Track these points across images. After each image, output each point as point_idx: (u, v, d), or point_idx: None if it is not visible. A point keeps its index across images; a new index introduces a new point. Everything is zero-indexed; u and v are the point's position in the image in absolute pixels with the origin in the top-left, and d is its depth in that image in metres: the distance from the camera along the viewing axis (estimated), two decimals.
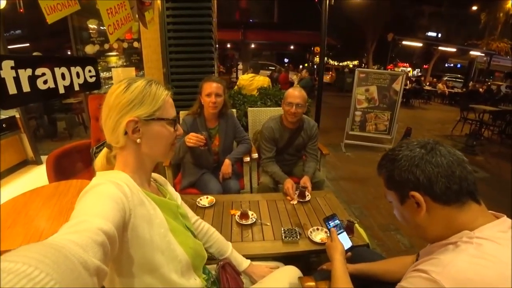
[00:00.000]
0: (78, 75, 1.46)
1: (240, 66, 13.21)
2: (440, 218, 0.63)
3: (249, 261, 1.12)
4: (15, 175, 2.98)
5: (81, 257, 0.38)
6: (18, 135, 3.11)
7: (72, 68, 1.43)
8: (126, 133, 0.70)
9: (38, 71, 1.26)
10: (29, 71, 1.20)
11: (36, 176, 2.94)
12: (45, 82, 1.29)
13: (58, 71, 1.35)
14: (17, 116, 3.03)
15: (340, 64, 23.87)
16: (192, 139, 1.74)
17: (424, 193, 0.63)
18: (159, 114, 0.72)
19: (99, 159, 0.75)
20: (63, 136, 4.77)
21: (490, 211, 0.65)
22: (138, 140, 0.71)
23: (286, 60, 21.68)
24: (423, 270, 0.57)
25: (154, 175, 0.91)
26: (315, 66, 14.19)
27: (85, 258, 0.39)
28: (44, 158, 2.94)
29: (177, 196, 0.98)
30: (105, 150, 0.76)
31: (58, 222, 1.32)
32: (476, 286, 0.50)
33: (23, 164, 3.18)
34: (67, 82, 1.40)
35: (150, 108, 0.71)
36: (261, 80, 4.13)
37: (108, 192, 0.59)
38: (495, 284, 0.50)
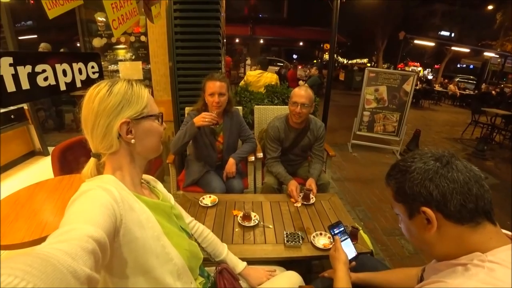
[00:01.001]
0: (80, 71, 1.44)
1: (248, 62, 13.15)
2: (451, 237, 0.59)
3: (245, 263, 1.11)
4: (23, 165, 3.01)
5: (70, 266, 0.37)
6: (26, 126, 3.14)
7: (74, 64, 1.40)
8: (119, 136, 0.68)
9: (38, 68, 1.23)
10: (28, 68, 1.17)
11: (43, 167, 2.96)
12: (46, 79, 1.26)
13: (59, 67, 1.32)
14: (25, 107, 3.05)
15: (349, 62, 23.57)
16: (207, 117, 1.72)
17: (436, 209, 0.59)
18: (147, 111, 0.73)
19: (88, 170, 0.73)
20: (70, 128, 4.82)
21: (504, 231, 0.61)
22: (132, 141, 0.70)
23: (294, 56, 21.51)
24: None
25: (146, 176, 0.90)
26: (324, 63, 14.03)
27: (74, 267, 0.38)
28: (51, 149, 2.96)
29: (170, 197, 0.96)
30: (92, 160, 0.74)
31: (61, 217, 1.31)
32: None
33: (30, 155, 3.21)
34: (68, 79, 1.38)
35: (138, 107, 0.70)
36: (269, 76, 4.07)
37: (98, 198, 0.58)
38: None
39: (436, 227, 0.60)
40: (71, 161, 2.13)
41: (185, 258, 0.76)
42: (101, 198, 0.58)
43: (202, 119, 1.73)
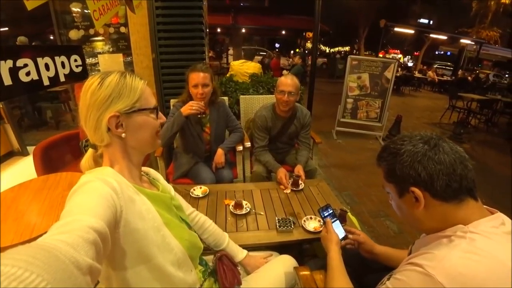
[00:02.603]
0: (63, 65, 1.38)
1: (231, 52, 12.96)
2: (437, 213, 0.64)
3: (245, 252, 1.13)
4: (1, 167, 2.89)
5: (73, 257, 0.38)
6: (2, 126, 3.01)
7: (57, 58, 1.34)
8: (109, 129, 0.68)
9: (20, 62, 1.18)
10: (9, 63, 1.12)
11: (24, 168, 2.86)
12: (28, 73, 1.21)
13: (41, 61, 1.27)
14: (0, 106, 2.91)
15: (332, 50, 23.72)
16: (194, 105, 1.73)
17: (424, 189, 0.64)
18: (140, 104, 0.70)
19: (86, 161, 0.73)
20: (49, 126, 4.64)
21: (485, 207, 0.66)
22: (123, 135, 0.69)
23: (277, 45, 21.42)
24: (418, 264, 0.58)
25: (145, 168, 0.90)
26: (306, 51, 14.03)
27: (76, 257, 0.38)
28: (30, 148, 2.84)
29: (170, 188, 0.97)
30: (90, 151, 0.74)
31: (49, 216, 1.29)
32: (469, 280, 0.52)
33: (9, 155, 3.09)
34: (51, 73, 1.32)
35: (129, 100, 0.68)
36: (252, 66, 4.09)
37: (98, 190, 0.58)
38: (486, 278, 0.52)
39: (424, 205, 0.65)
40: (55, 159, 2.07)
41: (185, 248, 0.77)
42: (101, 190, 0.58)
43: (189, 107, 1.74)
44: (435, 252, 0.58)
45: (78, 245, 0.41)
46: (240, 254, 1.12)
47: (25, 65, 1.21)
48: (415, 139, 0.68)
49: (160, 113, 0.77)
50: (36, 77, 1.24)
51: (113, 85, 0.67)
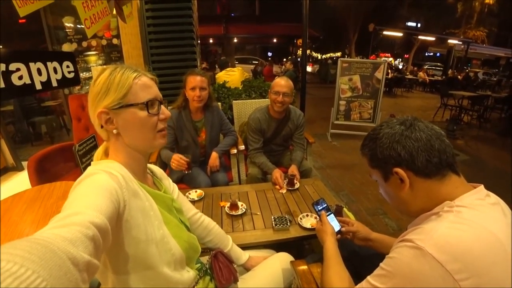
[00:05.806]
0: (55, 70, 1.40)
1: None
2: (423, 191, 0.66)
3: (247, 255, 1.12)
4: None
5: (70, 253, 0.36)
6: None
7: (49, 63, 1.37)
8: (102, 126, 0.69)
9: (12, 66, 1.20)
10: (2, 66, 1.15)
11: (19, 183, 2.83)
12: (20, 77, 1.23)
13: (33, 66, 1.29)
14: None
15: (323, 56, 24.08)
16: (174, 162, 1.74)
17: (406, 168, 0.66)
18: (128, 100, 0.68)
19: (98, 152, 0.75)
20: (44, 141, 4.61)
21: (469, 184, 0.68)
22: (114, 131, 0.69)
23: (269, 53, 21.72)
24: (408, 239, 0.59)
25: (152, 166, 0.90)
26: (298, 59, 14.25)
27: (74, 253, 0.37)
28: (25, 164, 2.81)
29: (173, 188, 0.97)
30: (104, 143, 0.76)
31: (43, 226, 1.28)
32: (456, 248, 0.53)
33: (4, 171, 3.06)
34: (44, 78, 1.35)
35: (116, 95, 0.67)
36: (236, 70, 4.17)
37: (102, 182, 0.58)
38: (474, 246, 0.53)
39: (409, 184, 0.67)
40: (48, 170, 2.06)
41: (183, 249, 0.77)
42: (105, 183, 0.58)
43: (171, 162, 1.76)
44: (424, 226, 0.60)
45: (76, 240, 0.40)
46: (243, 256, 1.11)
47: (18, 69, 1.23)
48: (392, 122, 0.71)
49: (163, 108, 0.73)
50: (28, 81, 1.26)
51: (102, 81, 0.68)
